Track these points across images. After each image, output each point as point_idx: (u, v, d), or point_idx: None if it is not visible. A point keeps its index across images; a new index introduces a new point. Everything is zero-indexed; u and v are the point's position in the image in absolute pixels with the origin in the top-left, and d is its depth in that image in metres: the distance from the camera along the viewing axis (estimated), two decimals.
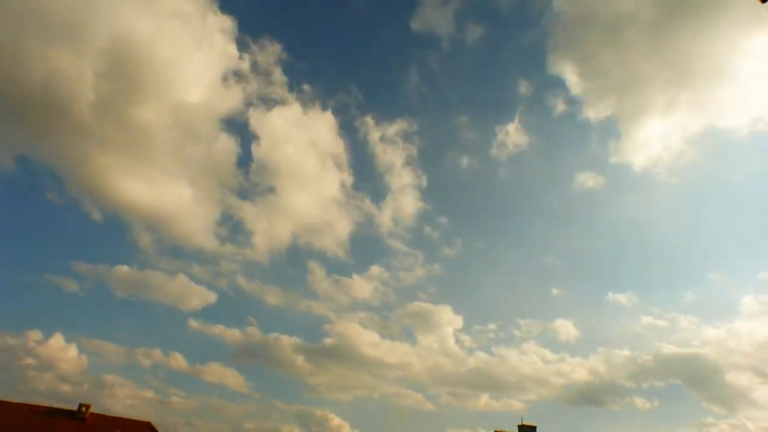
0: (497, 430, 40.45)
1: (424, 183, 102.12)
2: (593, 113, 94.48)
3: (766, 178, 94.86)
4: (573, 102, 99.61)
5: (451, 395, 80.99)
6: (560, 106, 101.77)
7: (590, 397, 77.31)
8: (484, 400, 79.66)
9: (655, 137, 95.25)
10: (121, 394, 64.24)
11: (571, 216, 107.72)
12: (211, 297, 79.83)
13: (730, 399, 72.84)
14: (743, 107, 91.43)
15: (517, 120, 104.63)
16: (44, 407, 35.90)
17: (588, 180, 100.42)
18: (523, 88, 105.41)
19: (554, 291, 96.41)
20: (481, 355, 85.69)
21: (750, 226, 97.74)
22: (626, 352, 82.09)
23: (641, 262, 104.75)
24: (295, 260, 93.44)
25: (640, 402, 75.38)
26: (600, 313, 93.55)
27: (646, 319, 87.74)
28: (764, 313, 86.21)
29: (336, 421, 68.72)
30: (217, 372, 74.84)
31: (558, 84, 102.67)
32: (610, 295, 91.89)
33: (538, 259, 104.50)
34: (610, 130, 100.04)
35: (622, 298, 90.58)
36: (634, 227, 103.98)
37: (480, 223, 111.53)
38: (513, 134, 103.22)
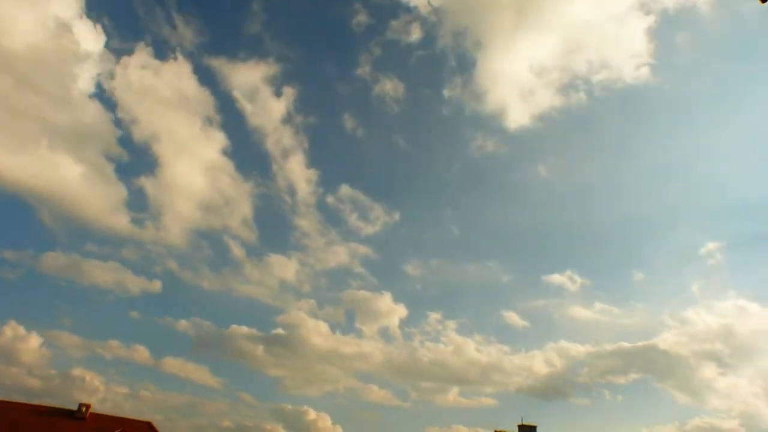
0: (497, 430, 40.46)
1: (307, 145, 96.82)
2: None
3: None
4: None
5: (417, 389, 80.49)
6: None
7: (555, 389, 77.32)
8: (452, 394, 78.94)
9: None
10: (91, 387, 62.65)
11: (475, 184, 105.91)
12: (149, 285, 77.69)
13: (697, 390, 73.21)
14: None
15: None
16: (44, 407, 35.93)
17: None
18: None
19: (491, 269, 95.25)
20: (432, 345, 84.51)
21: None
22: (582, 346, 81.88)
23: (580, 237, 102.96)
24: (211, 241, 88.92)
25: (608, 395, 75.76)
26: (541, 296, 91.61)
27: (598, 306, 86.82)
28: (714, 298, 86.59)
29: (312, 415, 68.13)
30: (180, 366, 73.79)
31: None
32: (554, 276, 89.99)
33: (462, 235, 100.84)
34: None
35: (563, 279, 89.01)
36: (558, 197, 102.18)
37: (388, 193, 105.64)
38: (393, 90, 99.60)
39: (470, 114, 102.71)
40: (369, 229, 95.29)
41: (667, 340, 79.61)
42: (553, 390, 76.41)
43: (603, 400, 75.39)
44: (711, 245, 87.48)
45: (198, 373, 74.18)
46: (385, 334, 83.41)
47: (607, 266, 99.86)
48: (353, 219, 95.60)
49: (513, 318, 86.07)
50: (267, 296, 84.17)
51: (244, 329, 79.60)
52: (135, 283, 77.32)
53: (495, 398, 77.97)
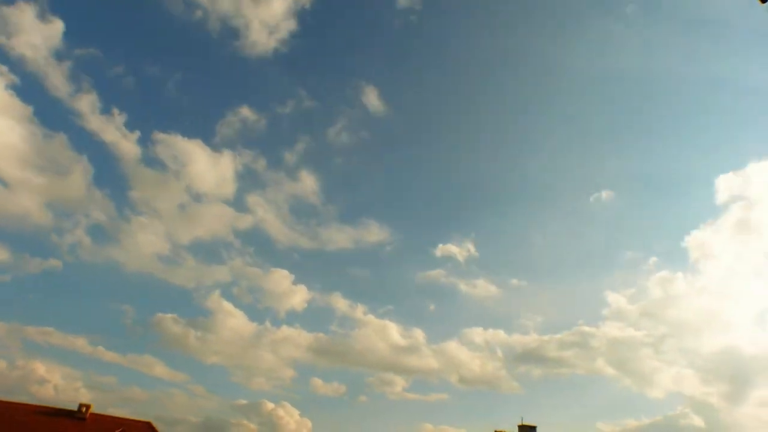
0: (497, 430, 40.44)
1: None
2: None
3: None
4: None
5: (360, 381, 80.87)
6: None
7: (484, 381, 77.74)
8: (399, 387, 78.68)
9: None
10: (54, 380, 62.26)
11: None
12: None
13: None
14: None
15: None
16: (44, 407, 35.91)
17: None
18: None
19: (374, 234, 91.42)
20: (358, 332, 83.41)
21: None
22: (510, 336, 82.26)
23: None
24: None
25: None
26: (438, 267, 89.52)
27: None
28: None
29: (271, 406, 67.54)
30: (137, 358, 72.83)
31: None
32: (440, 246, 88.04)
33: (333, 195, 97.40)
34: None
35: (456, 250, 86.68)
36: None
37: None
38: None
39: None
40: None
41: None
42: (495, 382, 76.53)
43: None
44: None
45: (154, 365, 73.24)
46: (298, 318, 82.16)
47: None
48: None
49: (418, 297, 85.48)
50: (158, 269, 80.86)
51: (168, 316, 78.19)
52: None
53: (443, 392, 77.96)
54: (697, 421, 67.33)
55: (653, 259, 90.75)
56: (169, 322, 77.79)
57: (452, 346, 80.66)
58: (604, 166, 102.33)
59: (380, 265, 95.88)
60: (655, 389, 75.33)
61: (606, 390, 78.67)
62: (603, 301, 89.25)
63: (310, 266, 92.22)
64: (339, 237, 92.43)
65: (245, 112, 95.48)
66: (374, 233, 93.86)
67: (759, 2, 14.82)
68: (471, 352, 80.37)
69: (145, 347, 78.29)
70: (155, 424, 38.20)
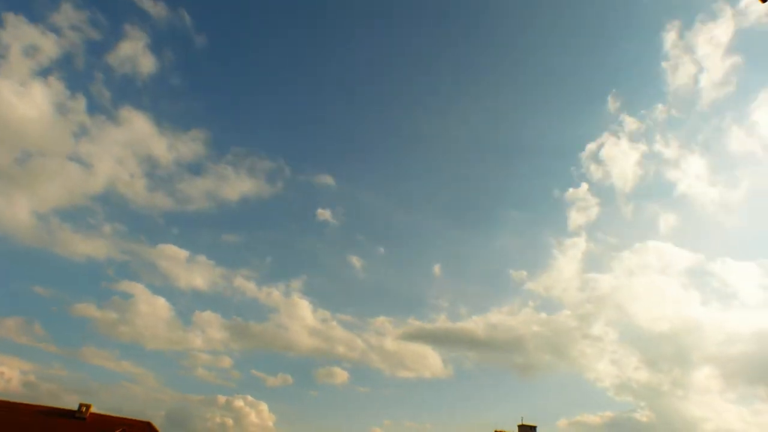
0: (497, 430, 40.55)
1: None
2: None
3: None
4: None
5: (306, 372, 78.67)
6: None
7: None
8: (340, 377, 77.43)
9: None
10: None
11: None
12: None
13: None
14: None
15: None
16: (44, 407, 35.90)
17: None
18: None
19: None
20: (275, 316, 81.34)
21: None
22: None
23: None
24: None
25: None
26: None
27: None
28: None
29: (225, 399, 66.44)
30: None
31: None
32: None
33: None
34: None
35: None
36: None
37: None
38: None
39: None
40: None
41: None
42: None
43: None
44: None
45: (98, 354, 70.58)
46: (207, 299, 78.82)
47: None
48: None
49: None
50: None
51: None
52: None
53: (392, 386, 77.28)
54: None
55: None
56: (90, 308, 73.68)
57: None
58: None
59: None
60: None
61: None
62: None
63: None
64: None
65: None
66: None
67: (759, 2, 15.29)
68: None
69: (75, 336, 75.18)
70: (153, 424, 38.11)
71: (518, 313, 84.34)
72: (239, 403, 66.16)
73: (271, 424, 65.90)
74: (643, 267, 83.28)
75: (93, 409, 36.30)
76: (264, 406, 66.44)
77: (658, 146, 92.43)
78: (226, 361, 75.03)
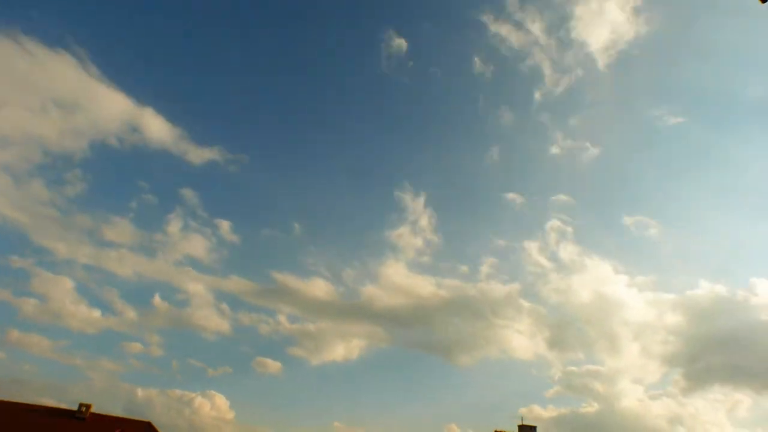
0: (497, 430, 40.59)
1: None
2: None
3: None
4: None
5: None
6: None
7: None
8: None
9: None
10: None
11: None
12: None
13: None
14: None
15: None
16: (44, 407, 35.96)
17: None
18: None
19: None
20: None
21: None
22: None
23: None
24: None
25: None
26: None
27: None
28: None
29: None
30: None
31: None
32: None
33: None
34: None
35: None
36: None
37: None
38: None
39: None
40: None
41: None
42: None
43: None
44: None
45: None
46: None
47: None
48: None
49: None
50: None
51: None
52: None
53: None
54: None
55: None
56: None
57: None
58: None
59: None
60: None
61: None
62: None
63: None
64: None
65: None
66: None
67: (759, 2, 15.33)
68: None
69: None
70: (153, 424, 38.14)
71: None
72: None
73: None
74: None
75: (93, 409, 36.34)
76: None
77: None
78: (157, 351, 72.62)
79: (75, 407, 36.11)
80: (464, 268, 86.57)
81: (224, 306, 77.41)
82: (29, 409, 34.92)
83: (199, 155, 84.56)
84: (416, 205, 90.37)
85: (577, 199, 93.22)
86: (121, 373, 69.49)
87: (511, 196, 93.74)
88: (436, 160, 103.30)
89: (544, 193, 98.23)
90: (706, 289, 76.20)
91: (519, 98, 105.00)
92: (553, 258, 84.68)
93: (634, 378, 72.50)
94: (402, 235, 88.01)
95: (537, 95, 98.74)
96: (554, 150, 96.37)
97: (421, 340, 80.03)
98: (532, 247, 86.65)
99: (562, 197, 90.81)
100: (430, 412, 71.97)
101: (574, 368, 73.99)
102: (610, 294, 78.56)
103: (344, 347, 78.52)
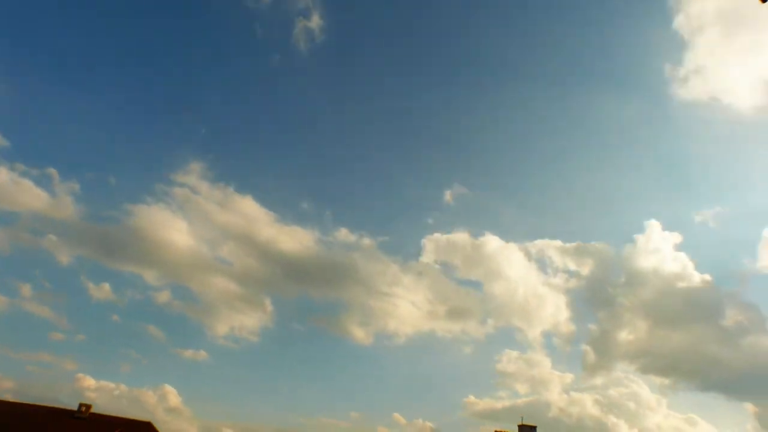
0: (497, 430, 40.61)
1: None
2: None
3: None
4: None
5: None
6: None
7: None
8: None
9: None
10: None
11: None
12: None
13: None
14: None
15: None
16: (44, 407, 35.90)
17: None
18: None
19: None
20: None
21: None
22: None
23: None
24: None
25: None
26: None
27: None
28: None
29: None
30: None
31: None
32: None
33: None
34: None
35: None
36: None
37: None
38: None
39: None
40: None
41: None
42: None
43: None
44: None
45: None
46: None
47: None
48: None
49: None
50: None
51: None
52: None
53: None
54: None
55: None
56: None
57: None
58: None
59: None
60: None
61: None
62: None
63: None
64: None
65: None
66: None
67: (759, 1, 15.30)
68: None
69: None
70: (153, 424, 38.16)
71: None
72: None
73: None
74: None
75: (93, 409, 36.33)
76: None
77: None
78: None
79: (75, 407, 36.14)
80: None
81: None
82: (29, 409, 34.89)
83: None
84: None
85: None
86: None
87: None
88: None
89: None
90: None
91: None
92: None
93: None
94: None
95: None
96: None
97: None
98: None
99: None
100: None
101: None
102: None
103: None
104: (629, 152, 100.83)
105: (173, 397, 64.18)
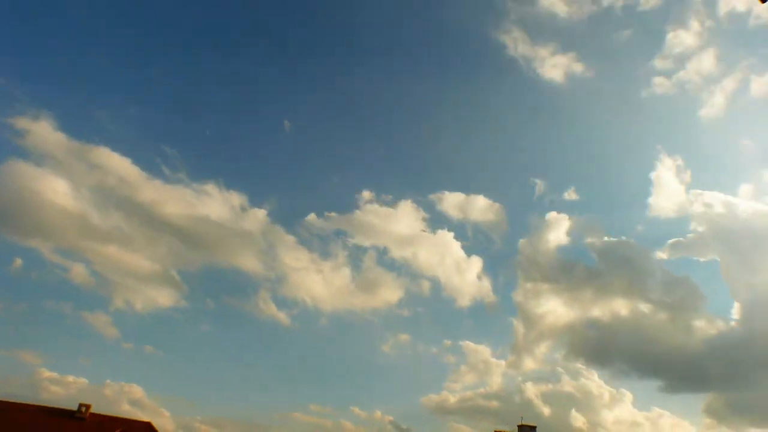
0: (497, 430, 40.63)
1: None
2: None
3: None
4: None
5: None
6: None
7: None
8: None
9: None
10: None
11: None
12: None
13: None
14: None
15: None
16: (44, 407, 35.94)
17: None
18: None
19: None
20: None
21: None
22: None
23: None
24: None
25: None
26: None
27: None
28: None
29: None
30: None
31: None
32: None
33: None
34: None
35: None
36: None
37: None
38: None
39: None
40: None
41: None
42: None
43: None
44: None
45: None
46: None
47: None
48: None
49: None
50: None
51: None
52: None
53: None
54: None
55: None
56: None
57: None
58: None
59: None
60: None
61: None
62: None
63: None
64: None
65: None
66: None
67: (759, 2, 15.25)
68: None
69: None
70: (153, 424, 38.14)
71: None
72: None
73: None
74: None
75: (93, 410, 36.33)
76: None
77: None
78: None
79: (75, 407, 36.14)
80: None
81: None
82: (29, 409, 34.89)
83: None
84: None
85: None
86: None
87: None
88: None
89: None
90: None
91: None
92: None
93: None
94: None
95: None
96: None
97: None
98: None
99: None
100: None
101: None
102: None
103: None
104: None
105: None
